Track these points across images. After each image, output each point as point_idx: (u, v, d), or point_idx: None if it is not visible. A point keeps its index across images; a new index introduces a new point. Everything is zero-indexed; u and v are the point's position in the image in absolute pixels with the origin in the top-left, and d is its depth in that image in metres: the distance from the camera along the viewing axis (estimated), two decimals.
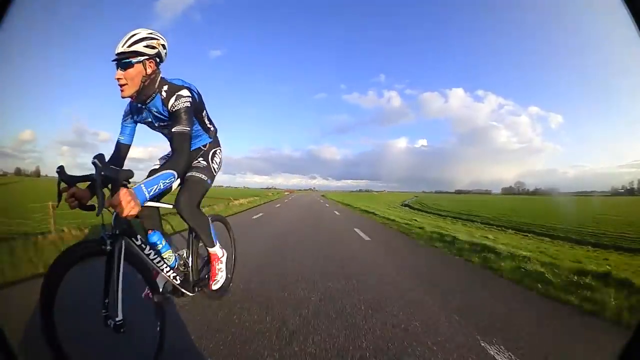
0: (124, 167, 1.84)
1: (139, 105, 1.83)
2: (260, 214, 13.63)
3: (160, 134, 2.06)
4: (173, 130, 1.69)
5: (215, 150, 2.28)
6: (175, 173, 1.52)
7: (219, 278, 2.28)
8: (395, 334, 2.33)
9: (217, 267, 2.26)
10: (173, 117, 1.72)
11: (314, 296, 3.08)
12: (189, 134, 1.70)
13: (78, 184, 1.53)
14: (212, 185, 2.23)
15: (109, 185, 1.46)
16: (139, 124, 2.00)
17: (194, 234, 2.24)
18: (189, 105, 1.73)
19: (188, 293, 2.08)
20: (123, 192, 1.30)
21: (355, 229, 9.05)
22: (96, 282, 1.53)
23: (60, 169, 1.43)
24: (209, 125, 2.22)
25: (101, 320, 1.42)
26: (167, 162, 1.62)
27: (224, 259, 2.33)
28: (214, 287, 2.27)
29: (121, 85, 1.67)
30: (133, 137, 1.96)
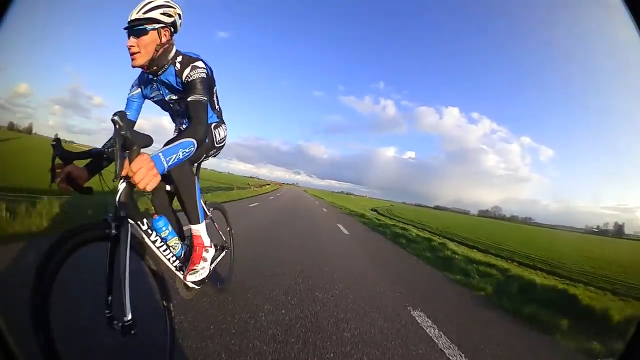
0: None
1: (150, 76, 1.68)
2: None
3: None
4: (189, 99, 1.53)
5: (220, 124, 2.07)
6: (194, 141, 1.32)
7: (199, 268, 1.75)
8: (330, 234, 8.14)
9: (201, 254, 1.80)
10: (188, 86, 1.58)
11: (300, 221, 8.97)
12: (205, 103, 1.56)
13: (75, 162, 1.34)
14: (215, 155, 2.09)
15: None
16: (146, 101, 1.83)
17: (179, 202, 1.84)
18: (205, 77, 1.61)
19: (195, 286, 1.77)
20: (144, 157, 1.06)
21: (324, 209, 17.95)
22: (89, 272, 1.37)
23: (57, 142, 1.24)
24: (216, 105, 2.06)
25: (102, 320, 1.15)
26: (185, 130, 1.41)
27: (211, 251, 1.89)
28: (190, 277, 1.71)
29: (133, 54, 1.52)
30: (139, 114, 1.80)
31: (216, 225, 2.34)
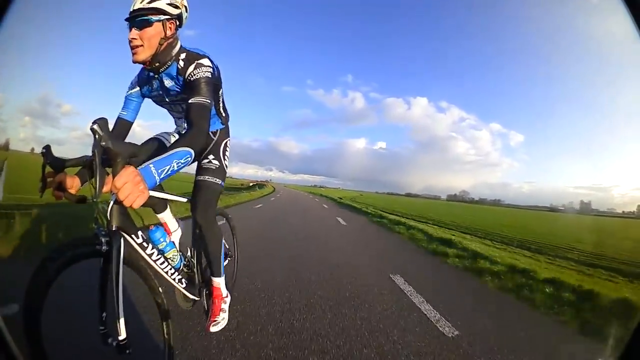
0: None
1: (151, 74, 1.56)
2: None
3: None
4: (190, 101, 1.38)
5: (226, 143, 1.98)
6: (192, 152, 1.18)
7: (220, 319, 1.82)
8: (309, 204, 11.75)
9: (220, 306, 1.84)
10: (190, 86, 1.44)
11: (296, 197, 12.96)
12: (209, 107, 1.41)
13: (67, 169, 1.25)
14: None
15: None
16: (145, 99, 1.71)
17: (200, 247, 1.90)
18: (210, 77, 1.47)
19: (194, 297, 1.78)
20: (129, 170, 0.93)
21: (304, 194, 23.42)
22: (82, 284, 1.37)
23: (47, 150, 1.16)
24: (222, 110, 1.91)
25: (95, 336, 1.13)
26: (181, 137, 1.25)
27: (227, 300, 1.91)
28: (213, 329, 1.78)
29: (134, 47, 1.40)
30: (137, 114, 1.69)
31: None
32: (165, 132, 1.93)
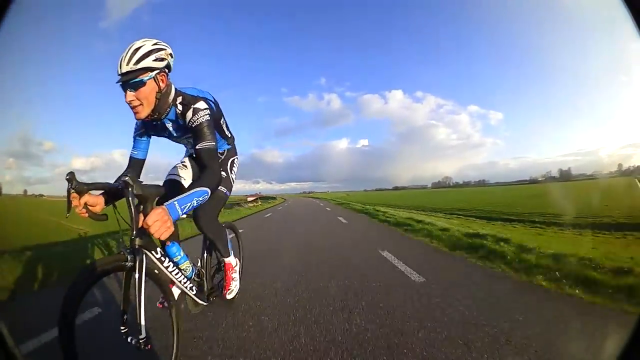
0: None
1: (154, 122, 1.70)
2: None
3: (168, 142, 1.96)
4: (198, 147, 1.57)
5: (234, 160, 2.25)
6: (209, 190, 1.44)
7: (233, 287, 2.25)
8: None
9: (231, 275, 2.23)
10: (195, 132, 1.61)
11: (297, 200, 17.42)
12: (214, 148, 1.61)
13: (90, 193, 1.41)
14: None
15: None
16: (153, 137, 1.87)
17: (207, 243, 2.26)
18: (209, 118, 1.62)
19: (203, 303, 2.00)
20: (159, 211, 1.18)
21: (301, 198, 30.86)
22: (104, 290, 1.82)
23: (71, 176, 1.29)
24: (227, 133, 2.14)
25: (117, 334, 1.35)
26: (199, 179, 1.50)
27: (237, 268, 2.30)
28: (229, 296, 2.24)
29: (134, 107, 1.50)
30: (147, 151, 1.85)
31: None
32: (175, 169, 2.15)
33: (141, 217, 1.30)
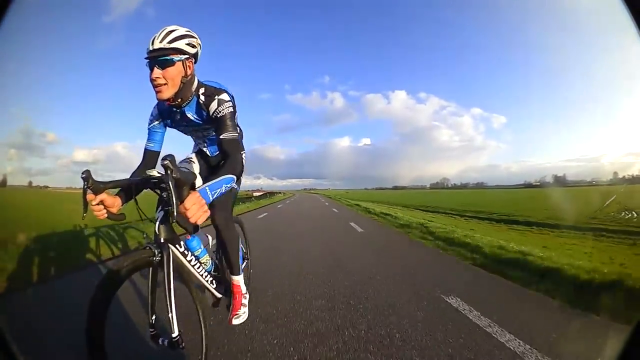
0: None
1: (174, 108, 1.67)
2: None
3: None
4: (222, 136, 1.57)
5: (242, 154, 2.08)
6: (234, 177, 1.40)
7: (241, 313, 2.00)
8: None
9: (241, 301, 2.02)
10: (219, 122, 1.61)
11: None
12: (237, 139, 1.62)
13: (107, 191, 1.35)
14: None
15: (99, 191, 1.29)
16: (168, 128, 1.84)
17: (221, 251, 2.10)
18: (232, 111, 1.63)
19: (221, 295, 1.96)
20: (195, 195, 1.15)
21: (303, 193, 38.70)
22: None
23: (86, 174, 1.23)
24: (238, 128, 2.04)
25: (141, 338, 1.33)
26: (225, 166, 1.45)
27: (247, 297, 2.09)
28: (235, 321, 1.97)
29: (158, 86, 1.48)
30: (162, 144, 1.81)
31: None
32: (182, 163, 2.08)
33: (178, 202, 1.16)
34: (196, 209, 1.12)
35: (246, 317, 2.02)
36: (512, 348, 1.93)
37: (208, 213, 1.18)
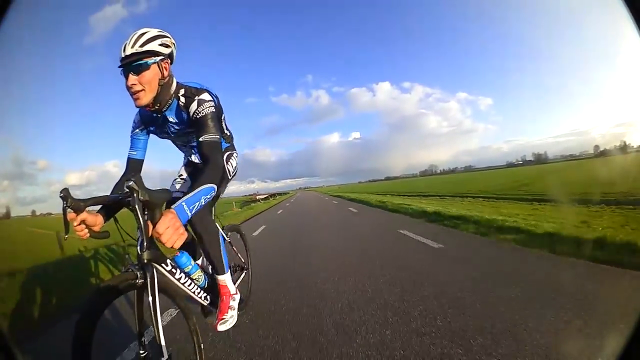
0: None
1: (154, 114, 1.60)
2: None
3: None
4: (201, 139, 1.46)
5: (232, 154, 2.09)
6: (215, 186, 1.31)
7: (229, 317, 1.82)
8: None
9: (228, 303, 1.84)
10: (198, 124, 1.51)
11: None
12: (219, 141, 1.51)
13: (88, 209, 1.27)
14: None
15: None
16: (151, 136, 1.76)
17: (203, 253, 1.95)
18: (214, 111, 1.54)
19: (214, 310, 1.85)
20: (169, 217, 1.04)
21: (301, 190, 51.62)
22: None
23: (65, 193, 1.15)
24: (226, 131, 2.03)
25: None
26: (203, 174, 1.34)
27: (237, 298, 1.93)
28: (221, 327, 1.80)
29: (135, 92, 1.41)
30: (146, 151, 1.74)
31: (234, 248, 2.44)
32: (173, 186, 2.05)
33: (150, 226, 1.09)
34: (170, 233, 1.03)
35: (234, 321, 1.84)
36: (414, 237, 5.32)
37: (184, 236, 1.08)
